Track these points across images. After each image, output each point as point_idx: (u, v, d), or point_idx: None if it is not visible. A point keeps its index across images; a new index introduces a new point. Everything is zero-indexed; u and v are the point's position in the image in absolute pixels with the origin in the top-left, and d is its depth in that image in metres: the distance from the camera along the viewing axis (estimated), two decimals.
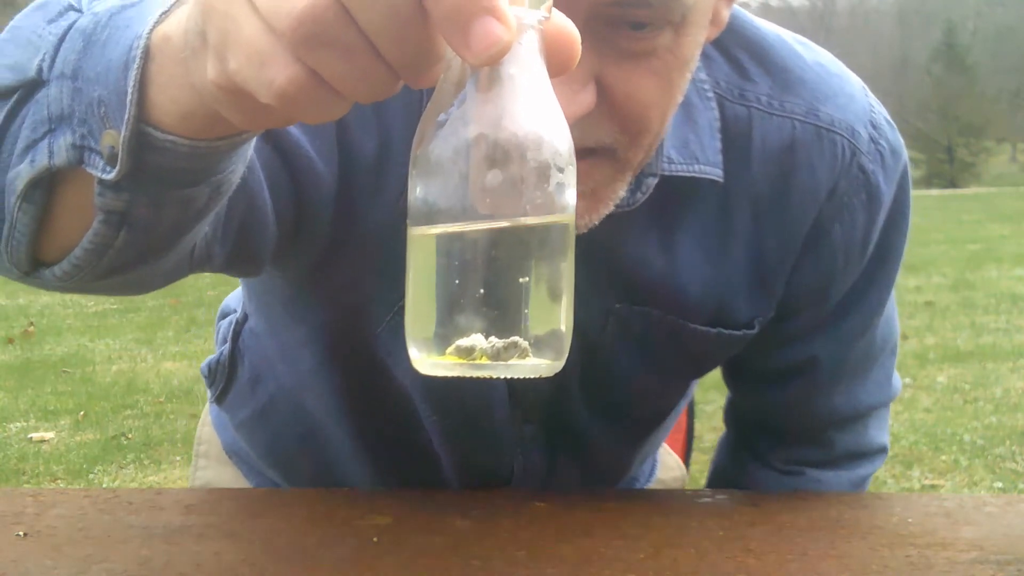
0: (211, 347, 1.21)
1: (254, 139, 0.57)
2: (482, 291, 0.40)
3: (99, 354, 5.60)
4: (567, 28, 0.42)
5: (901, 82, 42.31)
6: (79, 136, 0.53)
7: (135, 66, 0.50)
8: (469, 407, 0.96)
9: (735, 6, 0.85)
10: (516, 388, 0.94)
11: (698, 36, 0.73)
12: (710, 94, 0.87)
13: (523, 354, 0.40)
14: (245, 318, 1.08)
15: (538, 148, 0.40)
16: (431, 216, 0.40)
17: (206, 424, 1.23)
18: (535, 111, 0.40)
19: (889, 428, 1.12)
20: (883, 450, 1.11)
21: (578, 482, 1.05)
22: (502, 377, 0.40)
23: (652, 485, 1.24)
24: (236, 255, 0.76)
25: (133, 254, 0.59)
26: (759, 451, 1.10)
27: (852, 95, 0.92)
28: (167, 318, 6.63)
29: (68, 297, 6.93)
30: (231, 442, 1.18)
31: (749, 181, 0.88)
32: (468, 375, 0.40)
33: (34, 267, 0.61)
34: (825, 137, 0.89)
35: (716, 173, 0.86)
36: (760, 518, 0.91)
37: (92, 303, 7.15)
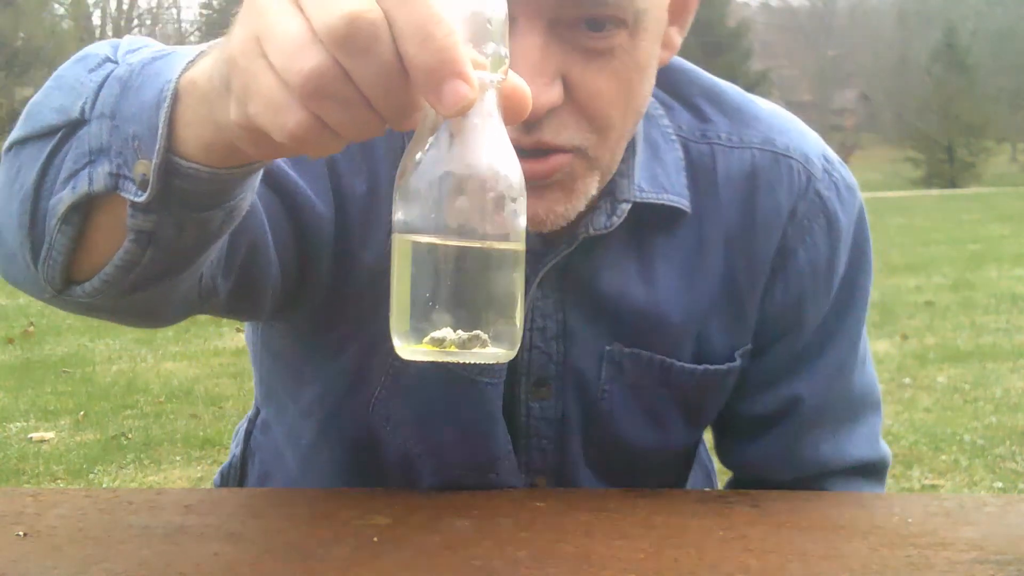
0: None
1: (261, 171, 0.67)
2: (451, 293, 0.50)
3: (99, 354, 5.60)
4: (520, 86, 0.52)
5: (901, 82, 42.27)
6: (115, 165, 0.63)
7: (165, 105, 0.59)
8: (471, 466, 0.98)
9: (690, 64, 1.00)
10: (520, 449, 0.98)
11: (652, 46, 0.82)
12: (673, 137, 0.97)
13: (484, 344, 0.50)
14: (257, 413, 1.15)
15: (495, 181, 0.50)
16: (411, 233, 0.50)
17: None
18: (493, 152, 0.51)
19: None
20: None
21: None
22: (466, 362, 0.50)
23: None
24: (239, 289, 0.83)
25: (156, 271, 0.68)
26: None
27: (804, 133, 1.01)
28: None
29: None
30: None
31: (718, 210, 0.96)
32: (440, 360, 0.50)
33: (66, 285, 0.70)
34: (782, 162, 0.98)
35: (683, 203, 0.95)
36: (760, 518, 0.91)
37: None
